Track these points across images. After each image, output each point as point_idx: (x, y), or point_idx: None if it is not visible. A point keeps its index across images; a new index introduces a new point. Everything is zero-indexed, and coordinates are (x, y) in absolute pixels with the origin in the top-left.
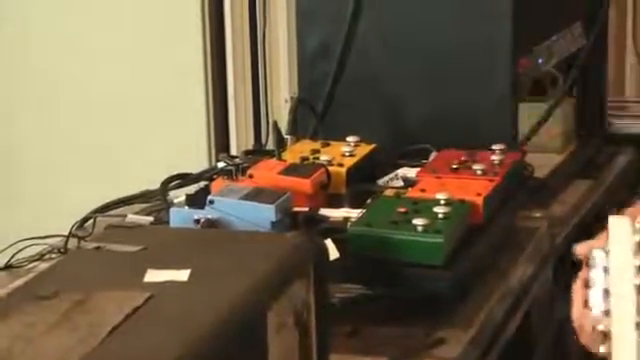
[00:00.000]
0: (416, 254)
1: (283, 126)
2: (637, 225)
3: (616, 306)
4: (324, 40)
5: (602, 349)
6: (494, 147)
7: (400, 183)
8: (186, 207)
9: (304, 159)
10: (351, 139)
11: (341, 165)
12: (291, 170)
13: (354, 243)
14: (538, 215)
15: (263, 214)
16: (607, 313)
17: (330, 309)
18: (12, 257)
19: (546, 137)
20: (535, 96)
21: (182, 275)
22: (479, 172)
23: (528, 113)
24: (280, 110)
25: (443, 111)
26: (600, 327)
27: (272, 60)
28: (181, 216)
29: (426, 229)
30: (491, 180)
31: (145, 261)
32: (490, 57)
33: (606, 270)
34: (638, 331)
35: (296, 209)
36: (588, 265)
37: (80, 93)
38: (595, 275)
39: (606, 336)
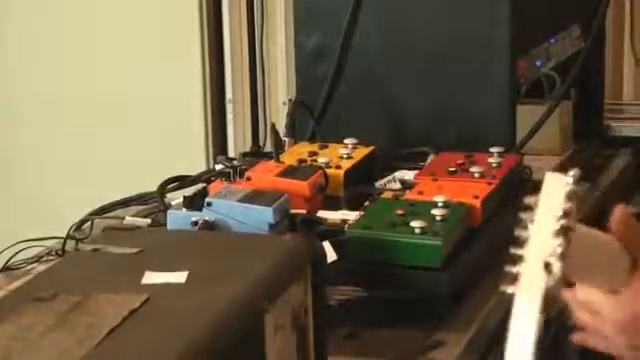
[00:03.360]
0: (414, 256)
1: (281, 128)
2: (569, 179)
3: (531, 246)
4: (322, 42)
5: (509, 290)
6: (492, 150)
7: (398, 185)
8: (184, 209)
9: (302, 161)
10: (349, 141)
11: (339, 167)
12: (289, 172)
13: (352, 245)
14: None
15: (261, 216)
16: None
17: (328, 311)
18: (10, 259)
19: (544, 139)
20: (533, 98)
21: (180, 277)
22: (477, 175)
23: (526, 115)
24: (278, 112)
25: (441, 114)
26: (512, 270)
27: (270, 63)
28: (179, 218)
29: (424, 231)
30: (489, 183)
31: (143, 263)
32: (488, 60)
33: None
34: (547, 273)
35: (294, 211)
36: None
37: (79, 95)
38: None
39: (516, 278)
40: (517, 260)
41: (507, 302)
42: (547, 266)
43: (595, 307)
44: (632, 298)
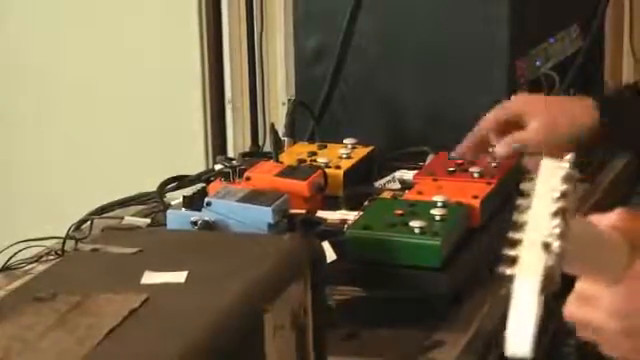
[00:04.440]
0: (413, 256)
1: (280, 128)
2: (565, 164)
3: (529, 229)
4: (321, 42)
5: (508, 272)
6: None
7: (397, 185)
8: (183, 209)
9: (301, 161)
10: (348, 141)
11: (338, 167)
12: (288, 172)
13: (351, 245)
14: None
15: (260, 216)
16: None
17: (327, 312)
18: (9, 259)
19: None
20: None
21: (179, 277)
22: (476, 175)
23: None
24: (278, 113)
25: (441, 113)
26: (510, 253)
27: (269, 62)
28: (178, 218)
29: (423, 231)
30: (488, 183)
31: (142, 263)
32: (488, 60)
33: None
34: (546, 253)
35: (293, 211)
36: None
37: (79, 96)
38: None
39: (514, 261)
40: (515, 244)
41: (505, 302)
42: (546, 246)
43: (589, 297)
44: (631, 286)
